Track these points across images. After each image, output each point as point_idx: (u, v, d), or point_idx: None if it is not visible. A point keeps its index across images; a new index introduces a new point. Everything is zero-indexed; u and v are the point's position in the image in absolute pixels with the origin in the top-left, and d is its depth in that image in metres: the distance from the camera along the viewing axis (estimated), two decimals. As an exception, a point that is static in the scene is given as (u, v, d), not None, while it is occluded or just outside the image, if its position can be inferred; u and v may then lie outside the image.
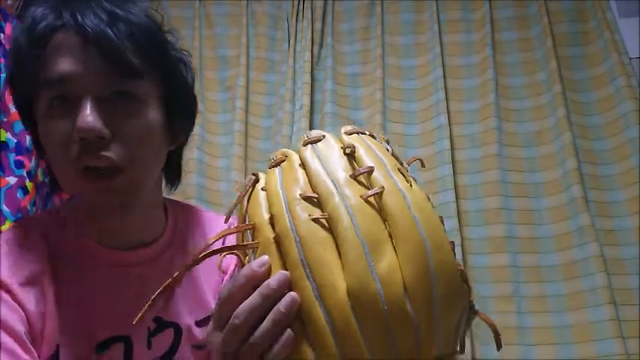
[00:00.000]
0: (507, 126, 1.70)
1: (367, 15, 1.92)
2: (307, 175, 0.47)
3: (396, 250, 0.42)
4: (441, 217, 0.46)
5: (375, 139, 0.52)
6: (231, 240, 0.73)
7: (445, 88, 1.75)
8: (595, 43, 1.75)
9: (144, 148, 0.64)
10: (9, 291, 0.61)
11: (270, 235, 0.45)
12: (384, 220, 0.43)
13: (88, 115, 0.59)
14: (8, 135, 1.32)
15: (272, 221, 0.46)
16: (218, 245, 0.50)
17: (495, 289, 1.51)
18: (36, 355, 0.61)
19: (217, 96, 1.85)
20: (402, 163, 0.51)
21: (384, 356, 0.41)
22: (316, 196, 0.45)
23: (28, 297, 0.62)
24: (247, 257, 0.48)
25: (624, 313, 1.43)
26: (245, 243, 0.47)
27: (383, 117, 1.74)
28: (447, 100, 1.73)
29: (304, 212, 0.44)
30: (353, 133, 0.51)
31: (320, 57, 1.88)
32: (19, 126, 1.34)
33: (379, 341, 0.41)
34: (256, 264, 0.46)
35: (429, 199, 0.47)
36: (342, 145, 0.49)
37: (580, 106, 1.70)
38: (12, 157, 1.32)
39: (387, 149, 0.51)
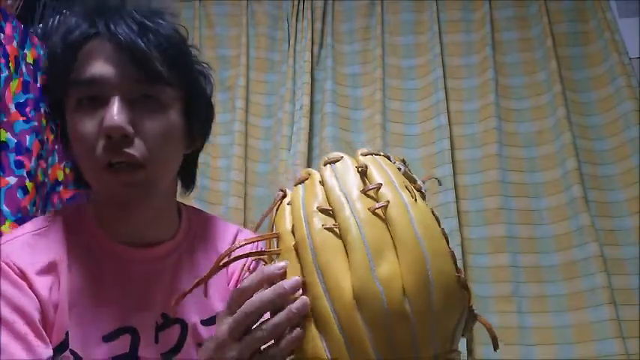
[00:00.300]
0: (507, 126, 1.70)
1: (367, 15, 1.92)
2: (325, 191, 0.54)
3: (398, 258, 0.47)
4: (443, 230, 0.51)
5: (390, 160, 0.58)
6: (252, 248, 0.80)
7: (445, 88, 1.75)
8: (595, 43, 1.75)
9: (163, 148, 0.69)
10: (26, 279, 0.66)
11: (291, 242, 0.52)
12: (389, 231, 0.49)
13: (115, 114, 0.64)
14: (8, 135, 1.32)
15: (293, 230, 0.53)
16: (247, 249, 0.57)
17: (495, 289, 1.51)
18: (48, 341, 0.65)
19: (217, 96, 1.85)
20: (415, 181, 0.57)
21: (384, 352, 0.46)
22: (330, 208, 0.51)
23: (43, 285, 0.67)
24: (272, 262, 0.54)
25: (624, 313, 1.43)
26: (270, 249, 0.54)
27: (383, 117, 1.74)
28: (447, 100, 1.73)
29: (319, 222, 0.51)
30: (368, 154, 0.56)
31: (320, 57, 1.88)
32: (19, 126, 1.34)
33: (381, 338, 0.46)
34: (275, 266, 0.53)
35: (433, 213, 0.52)
36: (356, 165, 0.55)
37: (580, 106, 1.70)
38: (12, 157, 1.32)
39: (399, 168, 0.57)
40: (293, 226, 0.53)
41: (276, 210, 0.57)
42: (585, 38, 1.78)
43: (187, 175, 0.83)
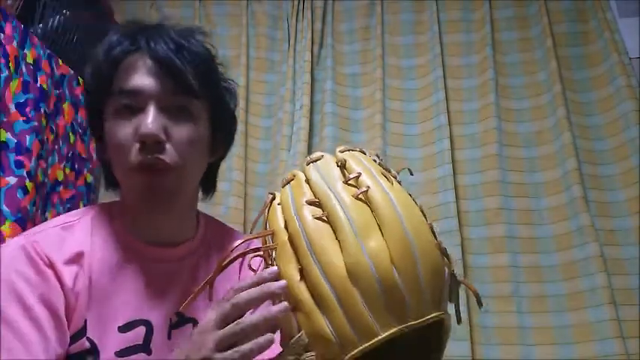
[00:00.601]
0: (507, 126, 1.70)
1: (367, 15, 1.92)
2: (310, 187, 0.60)
3: (383, 234, 0.53)
4: (421, 207, 0.57)
5: (365, 154, 0.64)
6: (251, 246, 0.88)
7: (445, 88, 1.75)
8: (595, 43, 1.75)
9: (191, 154, 0.76)
10: (54, 269, 0.71)
11: (285, 237, 0.57)
12: (372, 212, 0.55)
13: (150, 122, 0.72)
14: (8, 135, 1.32)
15: (286, 226, 0.58)
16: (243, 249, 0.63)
17: (495, 289, 1.51)
18: (66, 331, 0.70)
19: (217, 96, 1.85)
20: (389, 170, 0.62)
21: (380, 319, 0.51)
22: (317, 200, 0.57)
23: (69, 275, 0.72)
24: (269, 258, 0.59)
25: (624, 313, 1.43)
26: (267, 245, 0.59)
27: (383, 117, 1.74)
28: (446, 100, 1.73)
29: (309, 214, 0.56)
30: (345, 150, 0.63)
31: (320, 57, 1.88)
32: (19, 126, 1.34)
33: (376, 306, 0.51)
34: (268, 271, 0.58)
35: (410, 195, 0.58)
36: (336, 160, 0.61)
37: (580, 106, 1.70)
38: (12, 157, 1.32)
39: (375, 160, 0.63)
40: (285, 222, 0.58)
41: (268, 210, 0.63)
42: (585, 38, 1.78)
43: (209, 182, 0.90)
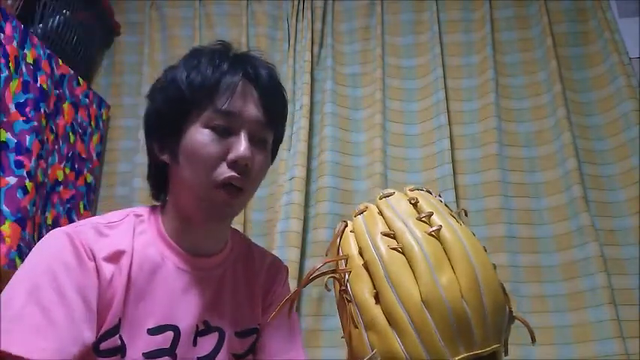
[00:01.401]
0: (507, 126, 1.70)
1: (367, 15, 1.92)
2: (384, 219, 0.64)
3: (453, 269, 0.57)
4: (484, 247, 0.61)
5: (431, 194, 0.69)
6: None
7: (445, 88, 1.75)
8: (595, 43, 1.76)
9: (257, 182, 0.83)
10: (95, 260, 0.74)
11: (360, 262, 0.62)
12: (443, 248, 0.59)
13: (248, 147, 0.77)
14: (8, 135, 1.32)
15: (361, 253, 0.63)
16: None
17: (495, 289, 1.50)
18: (95, 324, 0.72)
19: (217, 96, 1.85)
20: (451, 209, 0.67)
21: (450, 344, 0.55)
22: (392, 233, 0.62)
23: (108, 271, 0.75)
24: (343, 279, 0.63)
25: (624, 313, 1.43)
26: (342, 269, 0.63)
27: (383, 117, 1.74)
28: (446, 100, 1.73)
29: (385, 245, 0.61)
30: (415, 189, 0.69)
31: (320, 57, 1.88)
32: (19, 126, 1.34)
33: (446, 332, 0.55)
34: None
35: (474, 234, 0.62)
36: (408, 198, 0.66)
37: (580, 106, 1.70)
38: (12, 157, 1.32)
39: (440, 201, 0.68)
40: (360, 249, 0.63)
41: (340, 237, 0.67)
42: (585, 38, 1.78)
43: None
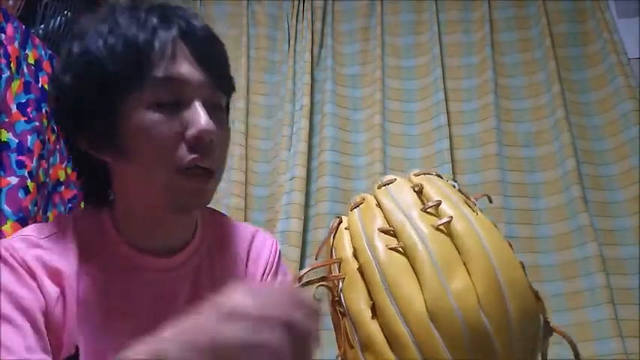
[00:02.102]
0: (507, 126, 1.71)
1: (367, 15, 1.92)
2: (383, 212, 0.53)
3: (468, 271, 0.47)
4: (509, 242, 0.50)
5: (442, 177, 0.57)
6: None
7: (445, 88, 1.75)
8: (594, 43, 1.76)
9: (225, 159, 0.69)
10: (35, 278, 0.62)
11: (355, 266, 0.52)
12: (455, 245, 0.48)
13: (209, 118, 0.62)
14: (10, 135, 1.32)
15: (355, 254, 0.52)
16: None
17: (495, 289, 1.51)
18: (48, 346, 0.60)
19: (218, 96, 1.86)
20: (469, 197, 0.56)
21: None
22: (392, 229, 0.51)
23: (51, 290, 0.62)
24: (336, 287, 0.53)
25: (623, 312, 1.43)
26: (334, 275, 0.53)
27: (383, 117, 1.74)
28: (446, 100, 1.74)
29: (383, 244, 0.50)
30: (420, 174, 0.57)
31: (320, 57, 1.88)
32: (21, 126, 1.35)
33: (459, 351, 0.44)
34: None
35: (495, 225, 0.51)
36: (411, 185, 0.55)
37: (579, 106, 1.71)
38: (13, 157, 1.32)
39: (454, 186, 0.56)
40: (355, 249, 0.53)
41: (334, 236, 0.57)
42: (584, 39, 1.78)
43: None
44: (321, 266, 0.55)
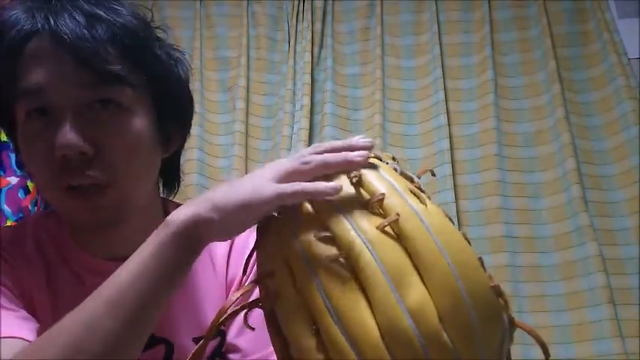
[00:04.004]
0: (506, 126, 1.71)
1: (367, 15, 1.92)
2: (317, 214, 0.44)
3: (423, 279, 0.40)
4: (464, 234, 0.43)
5: (381, 159, 0.48)
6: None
7: (445, 88, 1.75)
8: (594, 43, 1.76)
9: (131, 162, 0.60)
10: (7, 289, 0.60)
11: (290, 282, 0.43)
12: (405, 249, 0.41)
13: (68, 130, 0.55)
14: (10, 135, 1.32)
15: (289, 267, 0.43)
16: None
17: (495, 289, 1.51)
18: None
19: (218, 97, 1.85)
20: (412, 180, 0.47)
21: None
22: (329, 234, 0.42)
23: (21, 304, 0.60)
24: (270, 313, 0.45)
25: (623, 312, 1.43)
26: (265, 295, 0.45)
27: (383, 117, 1.74)
28: (446, 100, 1.74)
29: (322, 254, 0.41)
30: None
31: (320, 57, 1.88)
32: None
33: None
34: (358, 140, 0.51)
35: (446, 215, 0.44)
36: (349, 176, 0.45)
37: (579, 106, 1.71)
38: (13, 157, 1.32)
39: (395, 169, 0.47)
40: (287, 260, 0.44)
41: (258, 244, 0.48)
42: (584, 39, 1.78)
43: (170, 178, 0.73)
44: (247, 292, 0.46)
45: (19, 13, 0.58)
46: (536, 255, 1.55)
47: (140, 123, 0.61)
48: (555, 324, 1.47)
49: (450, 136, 1.69)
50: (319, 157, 0.47)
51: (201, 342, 0.47)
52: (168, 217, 0.48)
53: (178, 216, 0.48)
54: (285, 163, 0.48)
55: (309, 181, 0.46)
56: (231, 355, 0.71)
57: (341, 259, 0.41)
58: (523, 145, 1.69)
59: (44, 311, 0.62)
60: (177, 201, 0.79)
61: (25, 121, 0.58)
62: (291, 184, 0.45)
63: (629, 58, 1.70)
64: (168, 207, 0.73)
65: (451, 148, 1.67)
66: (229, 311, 0.45)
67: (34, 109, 0.57)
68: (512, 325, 0.44)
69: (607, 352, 1.38)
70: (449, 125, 1.70)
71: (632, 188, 1.56)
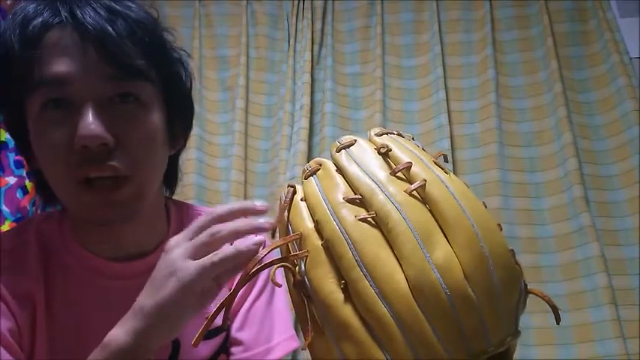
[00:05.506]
0: (508, 126, 1.70)
1: (367, 15, 1.92)
2: (346, 179, 0.47)
3: (447, 239, 0.43)
4: (483, 202, 0.47)
5: (403, 137, 0.52)
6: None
7: (445, 87, 1.75)
8: (595, 43, 1.75)
9: (149, 156, 0.61)
10: (2, 298, 0.60)
11: (318, 242, 0.45)
12: (431, 212, 0.44)
13: (91, 121, 0.55)
14: (8, 135, 1.32)
15: (318, 228, 0.46)
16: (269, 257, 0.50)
17: (496, 290, 1.50)
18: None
19: (217, 96, 1.85)
20: (432, 156, 0.51)
21: (453, 344, 0.41)
22: (359, 197, 0.45)
23: (21, 314, 0.60)
24: (297, 267, 0.47)
25: (625, 313, 1.43)
26: (294, 253, 0.47)
27: (383, 117, 1.74)
28: (447, 99, 1.73)
29: (351, 214, 0.44)
30: (382, 134, 0.52)
31: (320, 57, 1.88)
32: (19, 126, 1.34)
33: (446, 328, 0.41)
34: (253, 204, 0.52)
35: (468, 186, 0.48)
36: (375, 147, 0.49)
37: (580, 106, 1.70)
38: (12, 156, 1.31)
39: (418, 145, 0.51)
40: (316, 222, 0.46)
41: (289, 209, 0.49)
42: (586, 38, 1.78)
43: (171, 177, 0.74)
44: (281, 245, 0.48)
45: (39, 4, 0.59)
46: (537, 255, 1.54)
47: (155, 118, 0.62)
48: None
49: (451, 136, 1.68)
50: (231, 225, 0.49)
51: (231, 292, 0.46)
52: (105, 338, 0.50)
53: (118, 336, 0.49)
54: (189, 241, 0.50)
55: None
56: (232, 349, 0.73)
57: (370, 219, 0.44)
58: (524, 144, 1.69)
59: (51, 318, 0.62)
60: (181, 200, 0.80)
61: (41, 111, 0.58)
62: (209, 255, 0.48)
63: (630, 58, 1.69)
64: (169, 205, 0.75)
65: (452, 148, 1.67)
66: (257, 267, 0.46)
67: (52, 99, 0.57)
68: (526, 290, 0.47)
69: (609, 353, 1.38)
70: (450, 125, 1.70)
71: (634, 188, 1.55)
